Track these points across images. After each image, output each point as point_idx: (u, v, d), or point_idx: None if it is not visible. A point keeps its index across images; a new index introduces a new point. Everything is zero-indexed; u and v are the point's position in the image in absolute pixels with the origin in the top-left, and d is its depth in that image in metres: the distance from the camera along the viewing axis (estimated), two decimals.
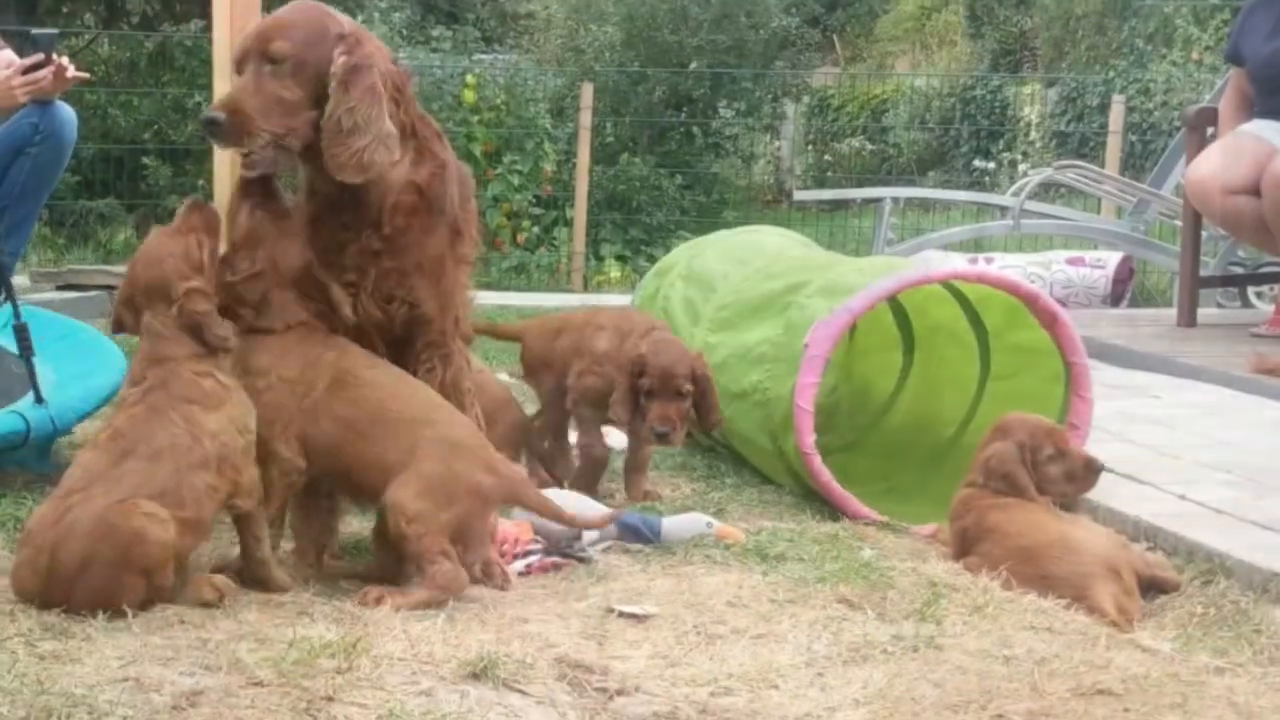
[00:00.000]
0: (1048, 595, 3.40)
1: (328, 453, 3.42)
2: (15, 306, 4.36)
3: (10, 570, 3.20)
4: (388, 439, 3.37)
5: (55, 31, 5.88)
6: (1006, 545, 3.61)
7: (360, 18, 15.80)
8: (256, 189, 3.53)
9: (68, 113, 6.30)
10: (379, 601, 3.20)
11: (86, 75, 6.07)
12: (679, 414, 4.25)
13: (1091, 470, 3.89)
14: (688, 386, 4.25)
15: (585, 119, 13.05)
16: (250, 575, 3.35)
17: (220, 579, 3.27)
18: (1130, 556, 3.59)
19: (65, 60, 5.81)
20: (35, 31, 5.80)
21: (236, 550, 3.40)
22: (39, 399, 4.25)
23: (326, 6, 3.52)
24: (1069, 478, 3.87)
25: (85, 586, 3.05)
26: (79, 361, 4.63)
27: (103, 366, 4.52)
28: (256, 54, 3.41)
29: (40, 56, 5.61)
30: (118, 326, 3.48)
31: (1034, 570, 3.51)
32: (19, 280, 7.72)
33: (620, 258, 13.73)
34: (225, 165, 4.24)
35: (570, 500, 3.88)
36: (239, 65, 3.42)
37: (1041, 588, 3.44)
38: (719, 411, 4.35)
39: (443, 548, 3.26)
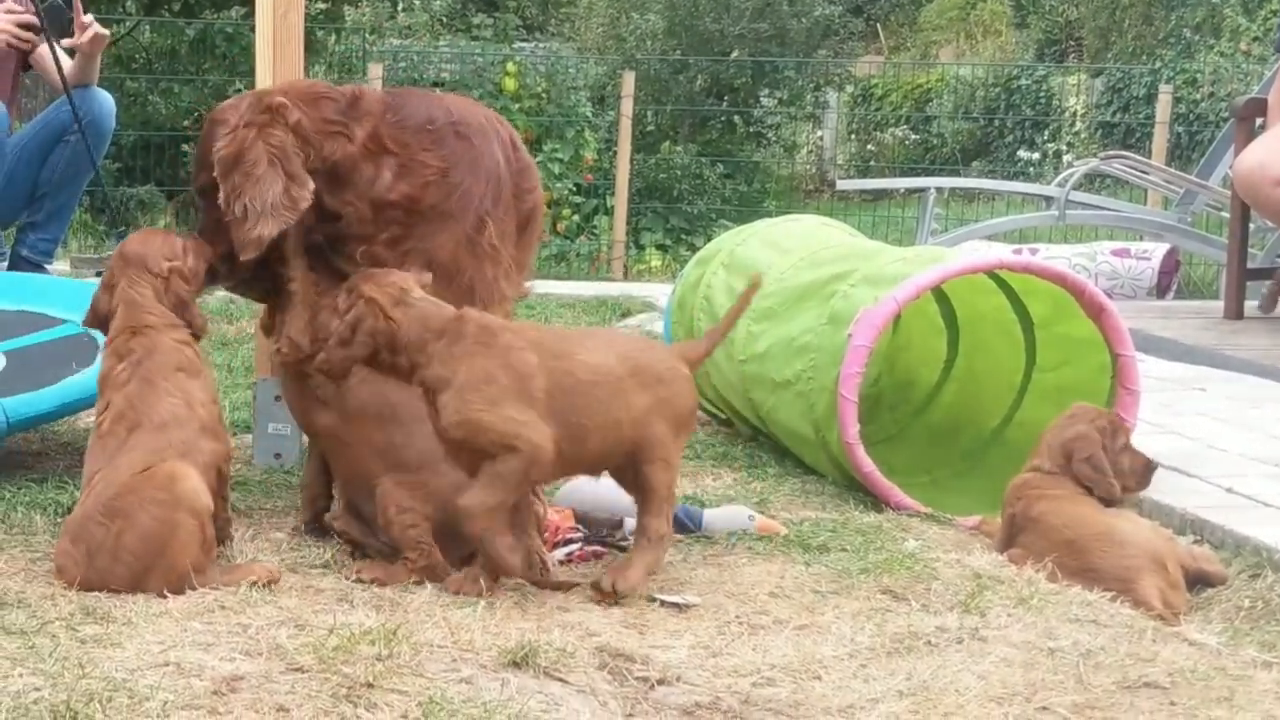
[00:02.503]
0: (1093, 588, 3.37)
1: None
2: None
3: (60, 568, 3.21)
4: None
5: (63, 4, 5.94)
6: (1051, 538, 3.57)
7: (401, 6, 15.88)
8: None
9: (107, 101, 6.34)
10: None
11: (106, 33, 6.12)
12: None
13: (1148, 470, 3.86)
14: None
15: (626, 107, 13.02)
16: (221, 533, 3.40)
17: (273, 566, 3.30)
18: (1176, 549, 3.55)
19: (89, 18, 5.87)
20: (47, 2, 5.87)
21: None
22: None
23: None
24: (1131, 473, 3.83)
25: (134, 539, 3.09)
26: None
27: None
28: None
29: (32, 19, 5.68)
30: (92, 315, 3.57)
31: (1079, 563, 3.47)
32: (60, 267, 7.78)
33: (661, 246, 13.71)
34: None
35: (610, 489, 3.87)
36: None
37: (1087, 581, 3.41)
38: None
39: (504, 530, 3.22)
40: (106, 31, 6.26)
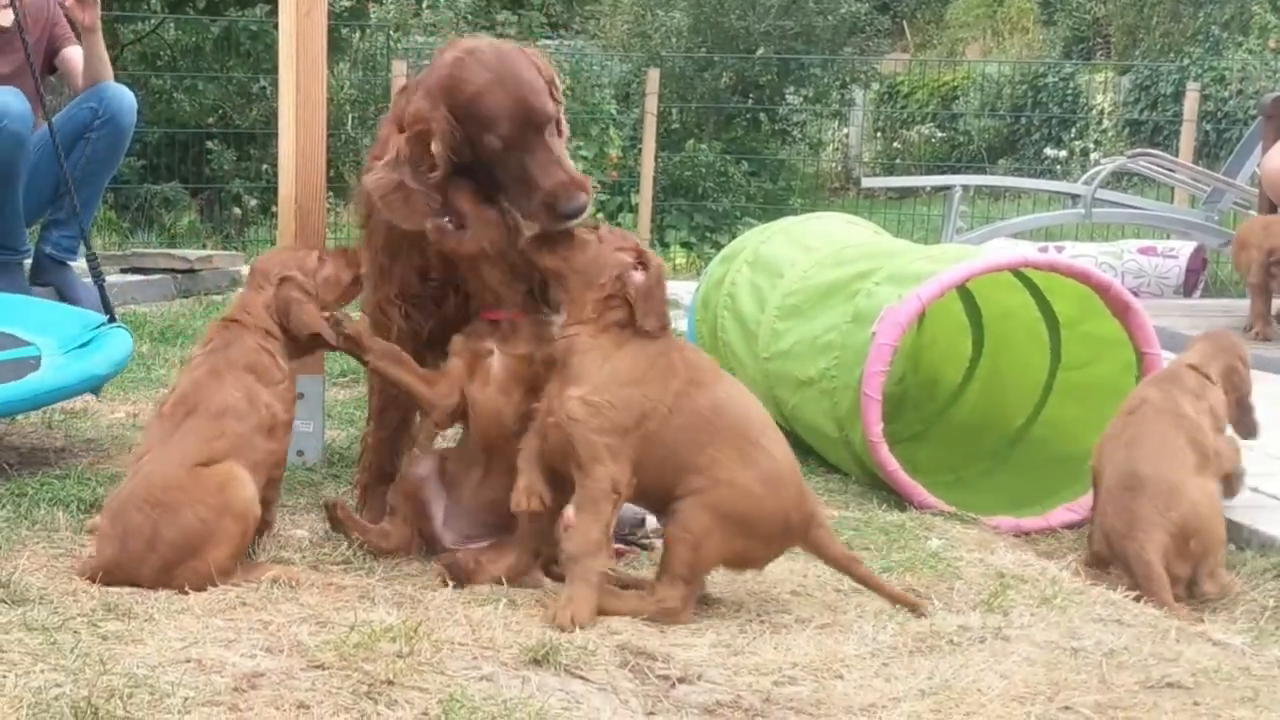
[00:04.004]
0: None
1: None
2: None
3: (96, 543, 3.24)
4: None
5: None
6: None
7: (425, 3, 15.88)
8: None
9: (127, 97, 6.36)
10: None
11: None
12: None
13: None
14: None
15: (651, 105, 13.01)
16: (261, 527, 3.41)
17: (295, 569, 3.31)
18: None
19: None
20: None
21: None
22: (111, 318, 4.58)
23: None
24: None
25: (174, 533, 3.11)
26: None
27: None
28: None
29: None
30: None
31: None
32: (84, 264, 7.80)
33: (685, 244, 13.69)
34: (290, 151, 4.23)
35: None
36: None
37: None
38: None
39: (698, 576, 3.14)
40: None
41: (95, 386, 4.25)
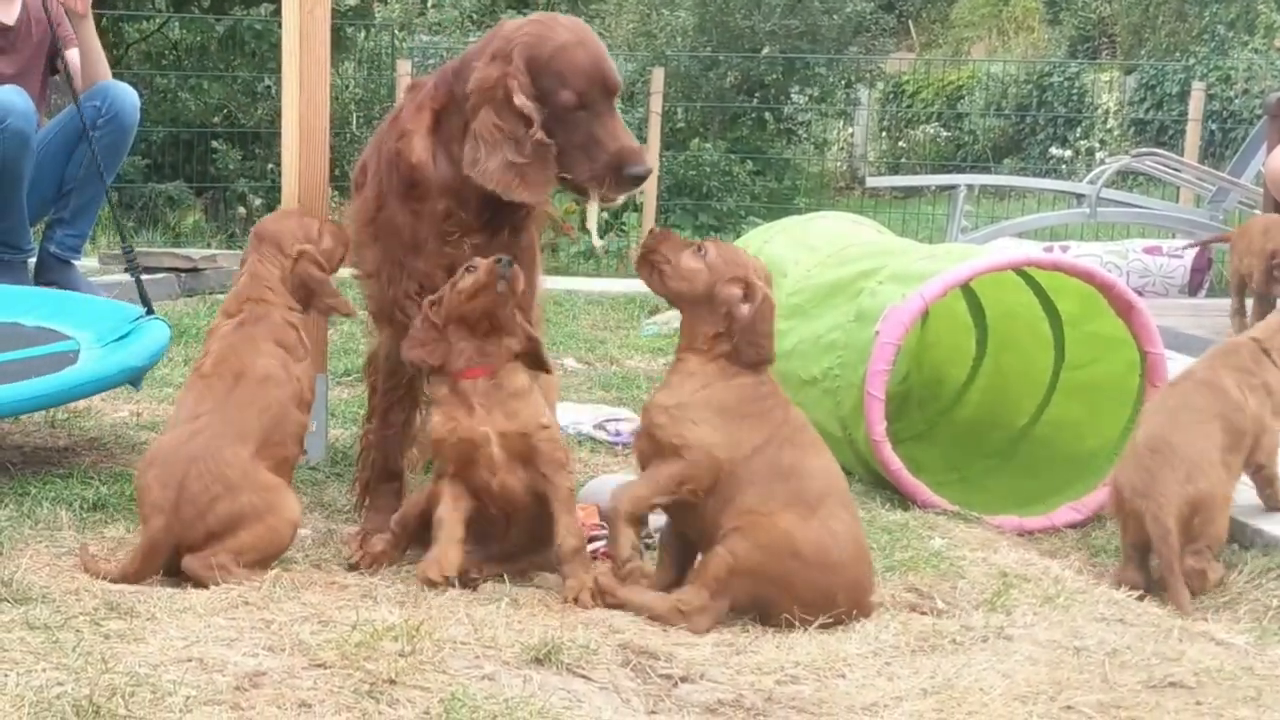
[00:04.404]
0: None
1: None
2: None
3: (137, 489, 3.30)
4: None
5: None
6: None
7: (430, 2, 15.89)
8: None
9: (130, 96, 6.36)
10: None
11: None
12: None
13: None
14: None
15: (656, 104, 13.00)
16: None
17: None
18: None
19: None
20: None
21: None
22: (150, 310, 4.61)
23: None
24: None
25: (227, 511, 3.21)
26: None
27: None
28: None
29: None
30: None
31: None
32: (88, 263, 7.81)
33: None
34: (293, 150, 4.23)
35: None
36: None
37: None
38: None
39: (722, 596, 3.13)
40: None
41: (133, 378, 4.25)
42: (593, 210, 3.42)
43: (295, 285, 3.55)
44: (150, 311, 4.60)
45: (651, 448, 3.25)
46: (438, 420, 3.37)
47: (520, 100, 3.31)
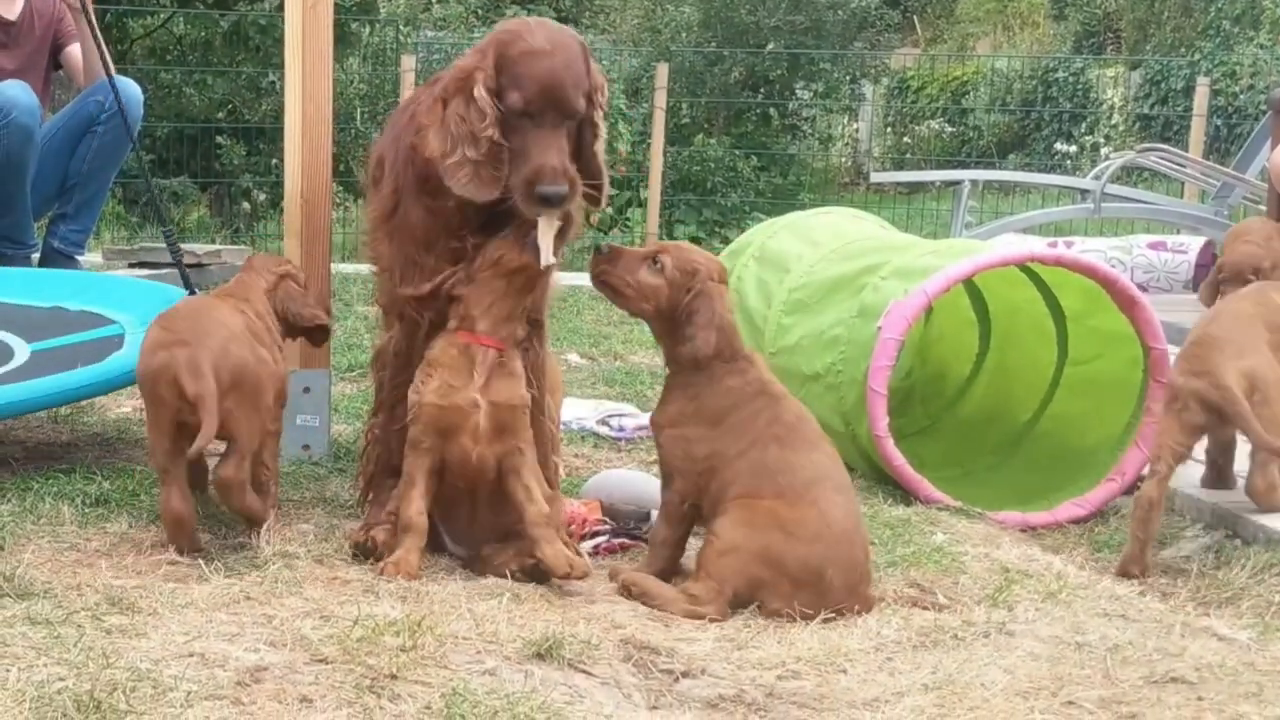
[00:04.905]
0: None
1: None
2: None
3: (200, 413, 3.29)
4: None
5: None
6: None
7: None
8: None
9: (134, 91, 6.36)
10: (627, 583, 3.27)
11: None
12: None
13: None
14: None
15: (660, 99, 12.98)
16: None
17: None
18: None
19: None
20: None
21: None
22: (191, 291, 4.65)
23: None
24: None
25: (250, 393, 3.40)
26: None
27: None
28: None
29: None
30: None
31: None
32: (93, 259, 7.80)
33: (694, 239, 13.67)
34: (296, 146, 4.23)
35: (637, 481, 3.86)
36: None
37: None
38: None
39: (723, 580, 3.16)
40: None
41: None
42: (544, 223, 3.36)
43: (278, 301, 3.74)
44: (193, 293, 4.59)
45: (660, 463, 3.46)
46: (432, 384, 3.35)
47: (479, 93, 3.30)
